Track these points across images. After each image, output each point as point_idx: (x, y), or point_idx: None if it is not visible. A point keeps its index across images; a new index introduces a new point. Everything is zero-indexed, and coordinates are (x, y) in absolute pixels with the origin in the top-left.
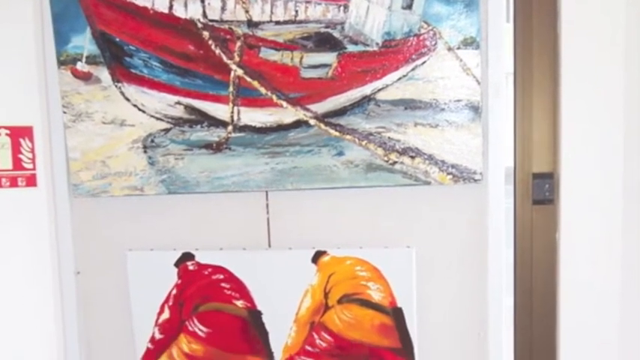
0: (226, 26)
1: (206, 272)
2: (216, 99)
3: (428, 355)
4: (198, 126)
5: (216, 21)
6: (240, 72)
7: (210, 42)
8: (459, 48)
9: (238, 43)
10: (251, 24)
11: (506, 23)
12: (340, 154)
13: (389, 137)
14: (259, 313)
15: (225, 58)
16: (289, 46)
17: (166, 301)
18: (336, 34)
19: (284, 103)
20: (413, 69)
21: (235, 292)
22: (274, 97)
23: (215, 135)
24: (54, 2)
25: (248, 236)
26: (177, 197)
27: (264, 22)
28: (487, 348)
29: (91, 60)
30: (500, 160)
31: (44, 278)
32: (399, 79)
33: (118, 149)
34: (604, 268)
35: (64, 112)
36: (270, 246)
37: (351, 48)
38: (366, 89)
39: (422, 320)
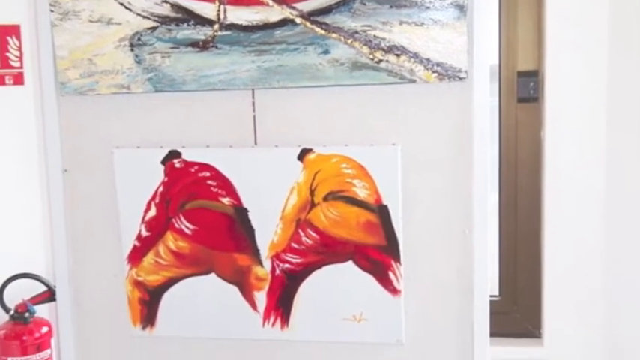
0: None
1: (192, 170)
2: None
3: (413, 252)
4: (185, 24)
5: None
6: None
7: None
8: None
9: None
10: None
11: None
12: (326, 52)
13: (374, 35)
14: (245, 211)
15: None
16: None
17: (153, 198)
18: None
19: (270, 2)
20: None
21: (221, 190)
22: None
23: (201, 33)
24: None
25: (234, 134)
26: (163, 95)
27: None
28: (472, 245)
29: None
30: (485, 58)
31: (32, 176)
32: None
33: (105, 47)
34: (588, 164)
35: (52, 11)
36: (256, 144)
37: None
38: None
39: (407, 218)
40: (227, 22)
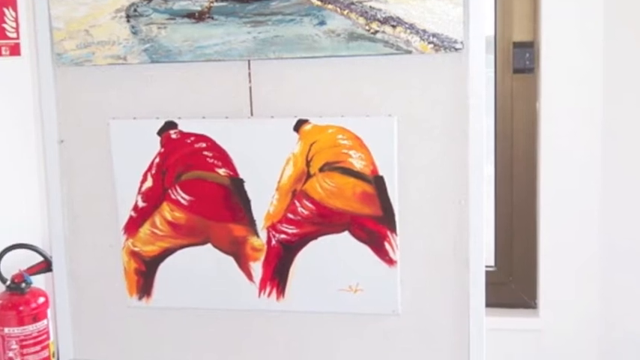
0: None
1: (189, 141)
2: None
3: (409, 223)
4: None
5: None
6: None
7: None
8: None
9: None
10: None
11: None
12: (322, 23)
13: (370, 6)
14: (241, 181)
15: None
16: None
17: (149, 169)
18: None
19: None
20: None
21: (218, 161)
22: None
23: (197, 4)
24: None
25: (230, 105)
26: (160, 66)
27: None
28: (468, 216)
29: None
30: (481, 29)
31: (28, 147)
32: None
33: (101, 18)
34: (584, 135)
35: None
36: (252, 115)
37: None
38: None
39: (403, 188)
40: None
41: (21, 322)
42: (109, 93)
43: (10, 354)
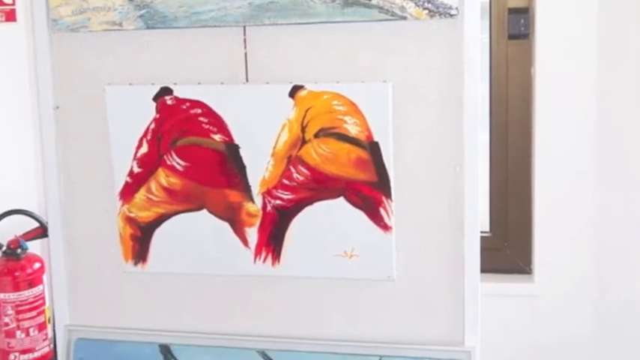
0: None
1: (184, 107)
2: None
3: (404, 189)
4: None
5: None
6: None
7: None
8: None
9: None
10: None
11: None
12: None
13: None
14: (237, 147)
15: None
16: None
17: (144, 135)
18: None
19: None
20: None
21: (213, 127)
22: None
23: None
24: None
25: (226, 71)
26: (155, 32)
27: None
28: (463, 181)
29: None
30: None
31: (23, 113)
32: None
33: None
34: (579, 101)
35: None
36: (247, 80)
37: None
38: None
39: (398, 154)
40: None
41: (16, 288)
42: (104, 59)
43: (6, 319)
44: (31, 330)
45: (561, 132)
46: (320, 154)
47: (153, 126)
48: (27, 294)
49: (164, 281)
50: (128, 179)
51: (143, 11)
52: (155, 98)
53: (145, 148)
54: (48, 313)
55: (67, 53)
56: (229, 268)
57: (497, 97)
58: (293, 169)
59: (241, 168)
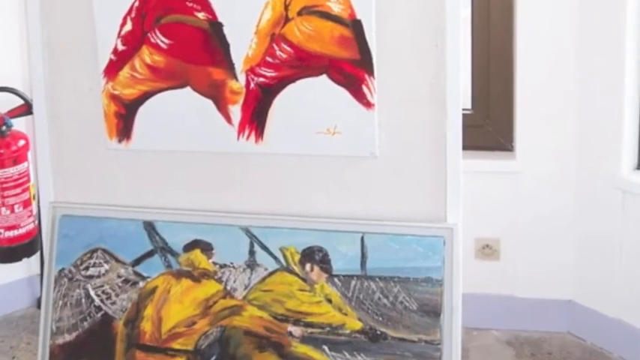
0: None
1: None
2: None
3: (386, 66)
4: None
5: None
6: None
7: None
8: None
9: None
10: None
11: None
12: None
13: None
14: (220, 25)
15: None
16: None
17: (129, 12)
18: None
19: None
20: None
21: (197, 4)
22: None
23: None
24: None
25: None
26: None
27: None
28: (445, 58)
29: None
30: None
31: None
32: None
33: None
34: None
35: None
36: None
37: None
38: None
39: (380, 32)
40: None
41: (2, 165)
42: None
43: None
44: (15, 207)
45: (543, 7)
46: (303, 31)
47: (137, 4)
48: (12, 171)
49: (148, 158)
50: (112, 57)
51: None
52: None
53: (129, 26)
54: (33, 190)
55: None
56: (213, 145)
57: None
58: (276, 47)
59: (225, 46)
